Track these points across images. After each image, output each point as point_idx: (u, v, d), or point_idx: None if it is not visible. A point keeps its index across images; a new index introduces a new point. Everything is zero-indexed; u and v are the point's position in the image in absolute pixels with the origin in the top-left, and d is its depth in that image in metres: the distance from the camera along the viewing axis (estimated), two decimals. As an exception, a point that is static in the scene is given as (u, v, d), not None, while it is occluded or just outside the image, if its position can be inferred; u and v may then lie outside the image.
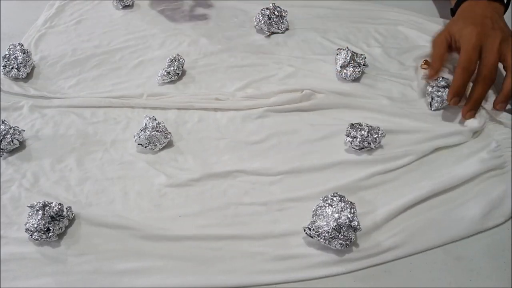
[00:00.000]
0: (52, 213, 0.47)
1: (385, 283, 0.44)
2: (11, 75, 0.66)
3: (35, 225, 0.46)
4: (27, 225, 0.47)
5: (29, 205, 0.48)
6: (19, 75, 0.66)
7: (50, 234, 0.47)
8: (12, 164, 0.56)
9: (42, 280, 0.45)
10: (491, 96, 0.60)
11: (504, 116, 0.57)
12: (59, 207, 0.48)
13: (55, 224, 0.47)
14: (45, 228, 0.46)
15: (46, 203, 0.48)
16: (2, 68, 0.66)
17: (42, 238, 0.47)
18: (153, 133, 0.55)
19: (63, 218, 0.48)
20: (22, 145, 0.57)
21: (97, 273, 0.45)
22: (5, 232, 0.49)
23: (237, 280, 0.44)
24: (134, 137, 0.55)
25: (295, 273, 0.45)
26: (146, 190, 0.52)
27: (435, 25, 0.73)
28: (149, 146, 0.56)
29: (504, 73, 0.57)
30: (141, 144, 0.56)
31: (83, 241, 0.48)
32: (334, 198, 0.45)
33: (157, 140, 0.55)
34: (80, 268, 0.46)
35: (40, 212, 0.47)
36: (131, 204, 0.51)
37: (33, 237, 0.47)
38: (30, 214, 0.47)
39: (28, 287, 0.44)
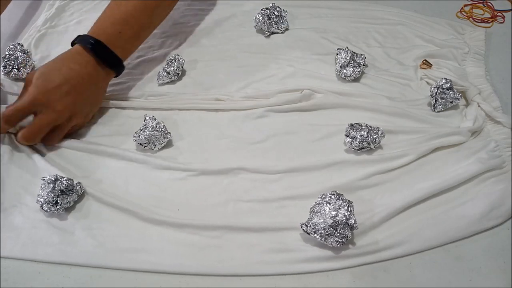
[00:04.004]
0: (62, 187, 0.49)
1: (385, 282, 0.44)
2: (11, 75, 0.66)
3: (45, 197, 0.49)
4: (39, 196, 0.49)
5: (42, 177, 0.50)
6: (19, 76, 0.66)
7: (58, 207, 0.49)
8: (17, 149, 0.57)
9: (49, 248, 0.47)
10: (490, 97, 0.60)
11: (503, 116, 0.57)
12: (70, 182, 0.50)
13: (63, 198, 0.49)
14: (53, 201, 0.49)
15: (58, 177, 0.50)
16: (2, 68, 0.66)
17: (51, 210, 0.49)
18: (152, 132, 0.55)
19: (73, 193, 0.50)
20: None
21: (100, 247, 0.47)
22: (19, 201, 0.52)
23: (233, 269, 0.45)
24: (134, 136, 0.56)
25: (290, 266, 0.45)
26: (146, 185, 0.53)
27: (435, 25, 0.73)
28: (149, 146, 0.56)
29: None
30: (140, 144, 0.56)
31: (91, 216, 0.50)
32: (332, 196, 0.45)
33: (157, 140, 0.55)
34: (85, 241, 0.48)
35: (51, 185, 0.49)
36: (132, 194, 0.52)
37: (43, 208, 0.49)
38: (43, 186, 0.50)
39: (36, 254, 0.47)
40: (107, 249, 0.47)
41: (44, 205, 0.49)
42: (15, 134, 0.56)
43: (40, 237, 0.48)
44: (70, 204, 0.50)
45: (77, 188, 0.51)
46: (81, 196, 0.52)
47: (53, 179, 0.49)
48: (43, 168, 0.54)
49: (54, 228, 0.49)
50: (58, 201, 0.49)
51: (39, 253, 0.47)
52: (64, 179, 0.50)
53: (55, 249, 0.47)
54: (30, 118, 0.57)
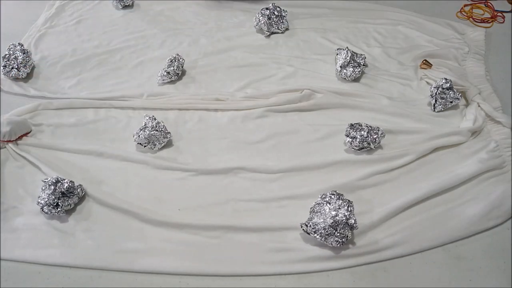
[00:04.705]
0: (63, 189, 0.49)
1: (385, 282, 0.44)
2: (11, 75, 0.66)
3: (46, 199, 0.49)
4: (39, 198, 0.49)
5: (43, 179, 0.50)
6: (19, 75, 0.66)
7: (58, 209, 0.49)
8: (22, 149, 0.56)
9: (49, 250, 0.47)
10: (489, 97, 0.60)
11: (503, 116, 0.57)
12: (71, 184, 0.50)
13: (64, 200, 0.49)
14: (54, 203, 0.49)
15: (59, 179, 0.50)
16: (2, 68, 0.66)
17: (51, 212, 0.49)
18: (152, 132, 0.55)
19: (73, 196, 0.50)
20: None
21: (101, 249, 0.47)
22: (20, 203, 0.51)
23: (233, 269, 0.45)
24: (134, 136, 0.55)
25: (290, 266, 0.45)
26: (146, 183, 0.53)
27: (435, 25, 0.73)
28: (149, 145, 0.56)
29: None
30: (140, 144, 0.56)
31: (91, 218, 0.50)
32: (332, 196, 0.45)
33: (157, 139, 0.55)
34: (85, 243, 0.48)
35: (52, 187, 0.49)
36: (132, 194, 0.52)
37: (43, 210, 0.49)
38: (43, 188, 0.49)
39: (36, 256, 0.47)
40: (107, 251, 0.47)
41: (45, 207, 0.48)
42: (15, 141, 0.56)
43: (40, 239, 0.48)
44: (70, 206, 0.50)
45: (78, 190, 0.50)
46: (82, 198, 0.51)
47: (54, 181, 0.49)
48: (44, 170, 0.53)
49: (54, 230, 0.49)
50: (59, 203, 0.49)
51: (40, 255, 0.47)
52: (65, 181, 0.50)
53: (56, 251, 0.47)
54: (27, 122, 0.57)
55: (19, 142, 0.57)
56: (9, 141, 0.56)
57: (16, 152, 0.56)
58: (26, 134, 0.58)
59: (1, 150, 0.56)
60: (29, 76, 0.68)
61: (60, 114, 0.61)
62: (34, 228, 0.49)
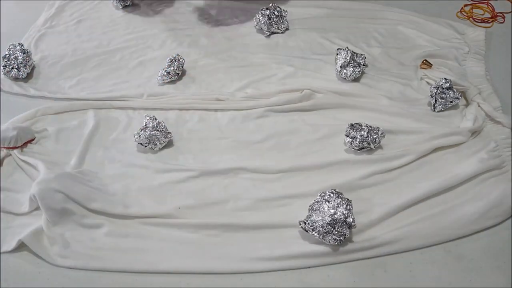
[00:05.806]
0: None
1: (385, 282, 0.44)
2: (11, 75, 0.66)
3: None
4: None
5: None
6: (19, 75, 0.66)
7: None
8: (26, 154, 0.56)
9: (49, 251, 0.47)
10: (490, 97, 0.60)
11: (503, 116, 0.57)
12: None
13: None
14: None
15: None
16: (2, 68, 0.66)
17: None
18: (153, 132, 0.55)
19: None
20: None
21: (100, 249, 0.47)
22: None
23: (231, 266, 0.45)
24: (134, 136, 0.55)
25: (288, 262, 0.45)
26: (146, 187, 0.53)
27: (435, 25, 0.73)
28: (149, 146, 0.56)
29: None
30: (141, 144, 0.56)
31: (91, 218, 0.49)
32: (331, 194, 0.46)
33: (157, 139, 0.55)
34: (85, 244, 0.47)
35: None
36: (132, 201, 0.51)
37: None
38: None
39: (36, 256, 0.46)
40: (107, 251, 0.47)
41: None
42: (21, 147, 0.56)
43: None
44: None
45: None
46: None
47: None
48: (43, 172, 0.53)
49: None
50: None
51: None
52: None
53: (56, 251, 0.47)
54: (31, 129, 0.57)
55: (24, 149, 0.56)
56: (14, 147, 0.56)
57: (22, 160, 0.55)
58: (30, 141, 0.57)
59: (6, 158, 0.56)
60: (29, 76, 0.68)
61: (61, 118, 0.61)
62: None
